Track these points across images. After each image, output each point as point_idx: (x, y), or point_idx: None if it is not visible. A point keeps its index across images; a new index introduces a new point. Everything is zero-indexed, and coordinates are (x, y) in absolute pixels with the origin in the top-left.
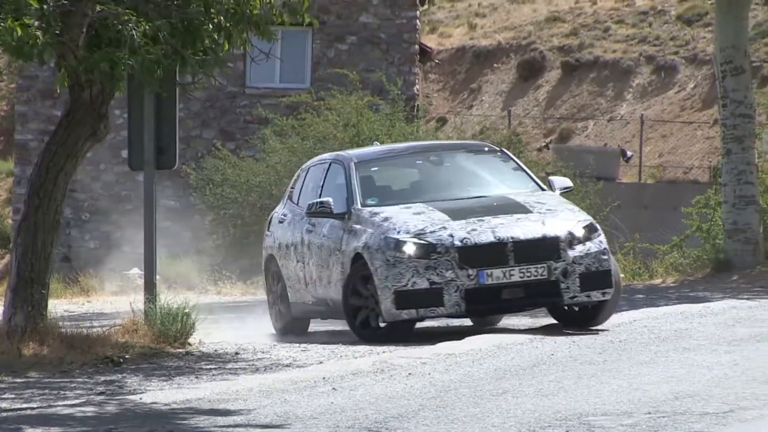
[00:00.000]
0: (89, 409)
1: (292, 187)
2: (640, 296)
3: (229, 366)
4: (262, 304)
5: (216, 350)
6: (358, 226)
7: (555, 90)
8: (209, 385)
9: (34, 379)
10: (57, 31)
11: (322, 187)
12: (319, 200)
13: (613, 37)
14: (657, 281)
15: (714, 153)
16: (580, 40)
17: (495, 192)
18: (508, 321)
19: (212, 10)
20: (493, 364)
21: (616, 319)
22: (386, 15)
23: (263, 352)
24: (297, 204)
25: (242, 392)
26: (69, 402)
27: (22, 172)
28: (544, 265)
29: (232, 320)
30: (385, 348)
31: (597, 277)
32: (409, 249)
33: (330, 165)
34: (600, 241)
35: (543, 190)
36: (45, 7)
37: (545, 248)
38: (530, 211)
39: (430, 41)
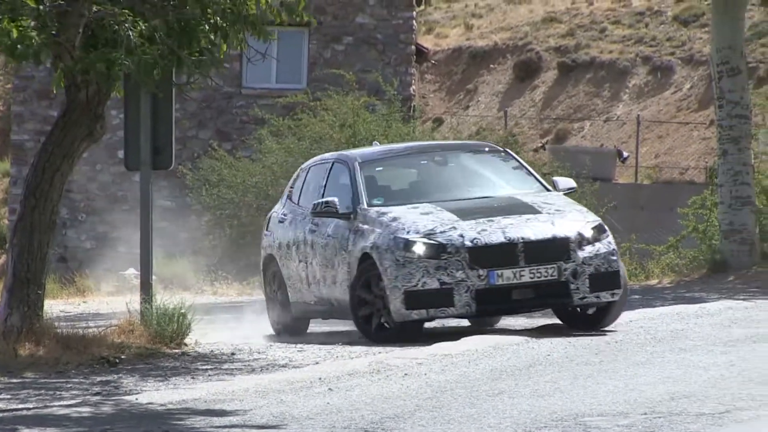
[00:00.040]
0: (85, 410)
1: (291, 187)
2: (637, 297)
3: (225, 366)
4: (258, 305)
5: (212, 351)
6: (365, 226)
7: (551, 91)
8: (205, 386)
9: (30, 379)
10: (53, 32)
11: (325, 186)
12: (324, 200)
13: (610, 38)
14: (653, 282)
15: (710, 154)
16: (576, 40)
17: (500, 192)
18: (505, 321)
19: (209, 11)
20: (489, 365)
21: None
22: (383, 15)
23: (259, 353)
24: (298, 204)
25: (238, 393)
26: (65, 402)
27: (18, 173)
28: (554, 265)
29: (228, 321)
30: (381, 348)
31: (606, 278)
32: (419, 249)
33: (333, 165)
34: (609, 242)
35: (548, 190)
36: (41, 7)
37: (555, 249)
38: (539, 212)
39: (427, 42)
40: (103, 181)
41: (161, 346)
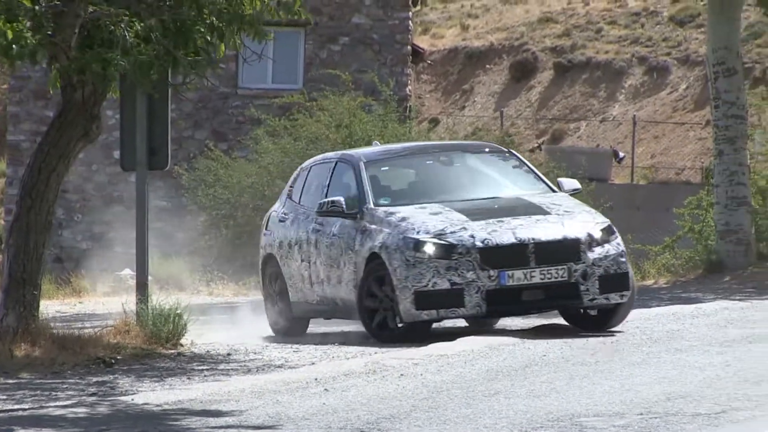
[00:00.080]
0: (81, 410)
1: (291, 186)
2: None
3: (221, 367)
4: (254, 305)
5: (208, 351)
6: (372, 226)
7: (547, 91)
8: (201, 386)
9: (25, 380)
10: (49, 32)
11: (328, 186)
12: (330, 199)
13: (606, 38)
14: (649, 282)
15: (706, 154)
16: (572, 41)
17: (507, 193)
18: (502, 321)
19: (205, 11)
20: (485, 365)
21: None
22: (378, 16)
23: (255, 353)
24: (299, 203)
25: (234, 393)
26: (61, 403)
27: (14, 173)
28: (565, 266)
29: (224, 321)
30: (376, 349)
31: (616, 279)
32: (430, 249)
33: (336, 164)
34: (618, 244)
35: (554, 191)
36: (37, 7)
37: (565, 250)
38: (548, 213)
39: (423, 42)
40: (99, 181)
41: (157, 346)
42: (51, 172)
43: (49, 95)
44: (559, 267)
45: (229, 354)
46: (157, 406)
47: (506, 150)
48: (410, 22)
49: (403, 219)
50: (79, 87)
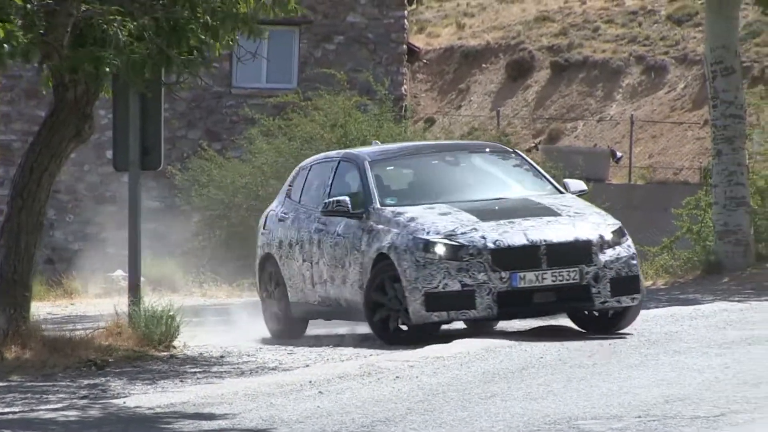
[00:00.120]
0: (72, 414)
1: (290, 185)
2: None
3: (214, 369)
4: (248, 307)
5: (201, 353)
6: (380, 226)
7: (544, 90)
8: (194, 389)
9: (16, 382)
10: (41, 31)
11: (331, 185)
12: (335, 199)
13: (603, 37)
14: (647, 283)
15: (704, 154)
16: (569, 39)
17: (514, 194)
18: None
19: (198, 10)
20: (481, 367)
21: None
22: (374, 14)
23: (249, 355)
24: (299, 202)
25: (227, 396)
26: (51, 406)
27: (5, 173)
28: (576, 269)
29: (217, 323)
30: (371, 351)
31: (627, 282)
32: (440, 250)
33: (339, 163)
34: (629, 246)
35: (560, 192)
36: (29, 6)
37: (577, 252)
38: (559, 214)
39: (418, 41)
40: (91, 181)
41: (149, 348)
42: (43, 172)
43: (42, 94)
44: (571, 269)
45: (222, 356)
46: (149, 409)
47: (511, 150)
48: (406, 20)
49: (412, 219)
50: (72, 86)
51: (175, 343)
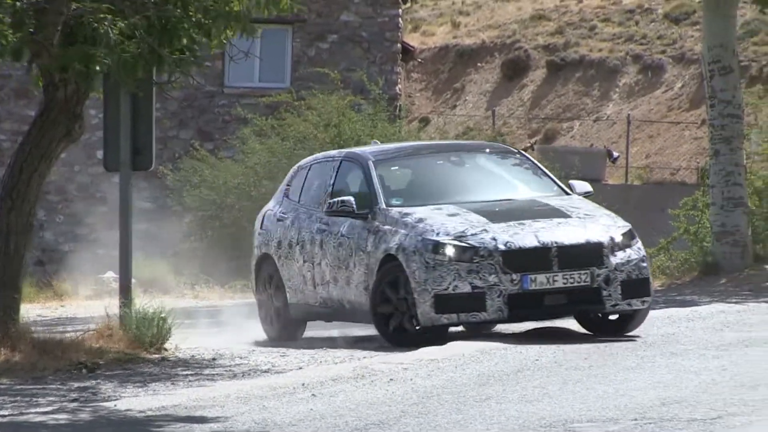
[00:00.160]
0: (62, 417)
1: (288, 185)
2: None
3: (206, 372)
4: (240, 308)
5: (193, 356)
6: (386, 227)
7: (540, 90)
8: (185, 392)
9: (5, 385)
10: (31, 30)
11: (333, 185)
12: (340, 199)
13: (599, 36)
14: None
15: (702, 154)
16: (565, 38)
17: (521, 195)
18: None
19: (190, 8)
20: (476, 370)
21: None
22: (368, 13)
23: (241, 358)
24: (299, 202)
25: (219, 399)
26: (41, 409)
27: None
28: (587, 271)
29: (209, 325)
30: (365, 353)
31: (637, 285)
32: (450, 251)
33: (341, 163)
34: (639, 248)
35: (567, 194)
36: (18, 3)
37: (588, 254)
38: (569, 216)
39: (413, 40)
40: (82, 182)
41: (140, 351)
42: (32, 172)
43: (32, 94)
44: (582, 271)
45: (214, 359)
46: (141, 412)
47: (516, 150)
48: (400, 19)
49: (420, 220)
50: (62, 86)
51: (167, 345)
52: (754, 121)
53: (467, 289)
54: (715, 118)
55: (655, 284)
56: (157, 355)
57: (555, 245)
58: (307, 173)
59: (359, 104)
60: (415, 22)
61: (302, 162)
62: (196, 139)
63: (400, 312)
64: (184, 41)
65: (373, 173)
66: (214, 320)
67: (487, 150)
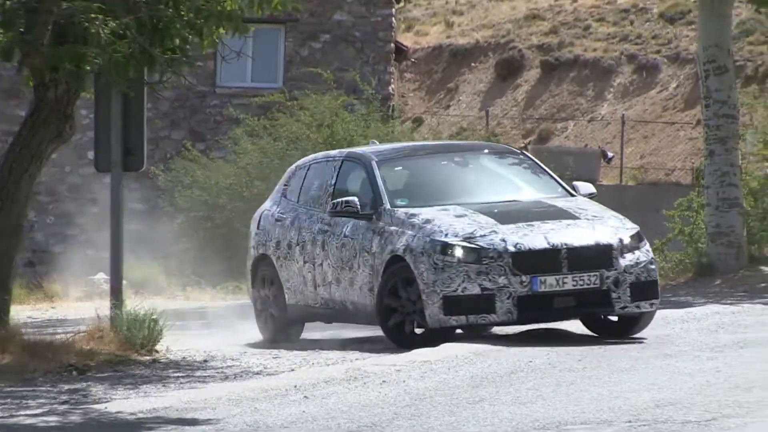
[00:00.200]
0: (52, 419)
1: (286, 185)
2: None
3: (198, 374)
4: (232, 310)
5: (184, 357)
6: (392, 228)
7: (534, 90)
8: (177, 394)
9: None
10: (21, 29)
11: (334, 185)
12: (344, 199)
13: (594, 36)
14: None
15: (697, 154)
16: (559, 38)
17: (526, 196)
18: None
19: (182, 8)
20: (469, 372)
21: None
22: (361, 13)
23: (233, 360)
24: (298, 202)
25: (211, 401)
26: (31, 412)
27: None
28: (597, 273)
29: (201, 326)
30: (358, 355)
31: (646, 287)
32: (459, 253)
33: (342, 163)
34: (647, 250)
35: (572, 195)
36: (8, 3)
37: (598, 256)
38: (577, 217)
39: (406, 39)
40: (73, 182)
41: (131, 352)
42: (23, 173)
43: (22, 94)
44: (592, 274)
45: (205, 360)
46: (131, 414)
47: (519, 151)
48: (393, 19)
49: (428, 221)
50: (52, 86)
51: (158, 347)
52: (750, 122)
53: (476, 290)
54: (711, 118)
55: None
56: (148, 357)
57: (565, 247)
58: (306, 173)
59: (352, 104)
60: (408, 21)
61: (300, 162)
62: (187, 140)
63: (407, 313)
64: (176, 41)
65: (377, 174)
66: (206, 322)
67: (490, 150)
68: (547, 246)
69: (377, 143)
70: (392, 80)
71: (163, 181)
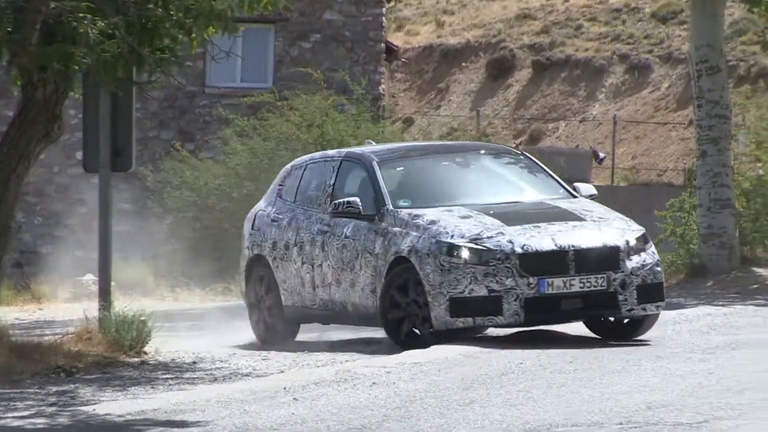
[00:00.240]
0: (40, 421)
1: (281, 185)
2: None
3: (187, 375)
4: (221, 311)
5: (173, 359)
6: (395, 229)
7: (525, 90)
8: (165, 396)
9: None
10: (9, 29)
11: (334, 186)
12: (346, 200)
13: (586, 35)
14: None
15: (689, 155)
16: (551, 38)
17: (528, 197)
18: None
19: (171, 7)
20: (459, 373)
21: (582, 327)
22: (351, 12)
23: (222, 361)
24: (294, 202)
25: (200, 403)
26: (19, 414)
27: None
28: (604, 275)
29: (190, 328)
30: (347, 356)
31: (652, 289)
32: (466, 254)
33: (341, 163)
34: (653, 252)
35: (574, 196)
36: None
37: (605, 258)
38: (583, 219)
39: (397, 39)
40: (61, 183)
41: (120, 354)
42: (10, 173)
43: (11, 94)
44: (599, 276)
45: (194, 362)
46: (120, 416)
47: (520, 152)
48: (384, 18)
49: (433, 222)
50: (40, 85)
51: (147, 348)
52: (742, 122)
53: (483, 292)
54: (703, 118)
55: None
56: (136, 359)
57: (572, 249)
58: (303, 173)
59: (342, 104)
60: (399, 21)
61: (296, 161)
62: (176, 140)
63: (411, 315)
64: (165, 41)
65: (379, 174)
66: (195, 323)
67: (491, 151)
68: (555, 248)
69: (373, 143)
70: (382, 80)
71: (152, 182)
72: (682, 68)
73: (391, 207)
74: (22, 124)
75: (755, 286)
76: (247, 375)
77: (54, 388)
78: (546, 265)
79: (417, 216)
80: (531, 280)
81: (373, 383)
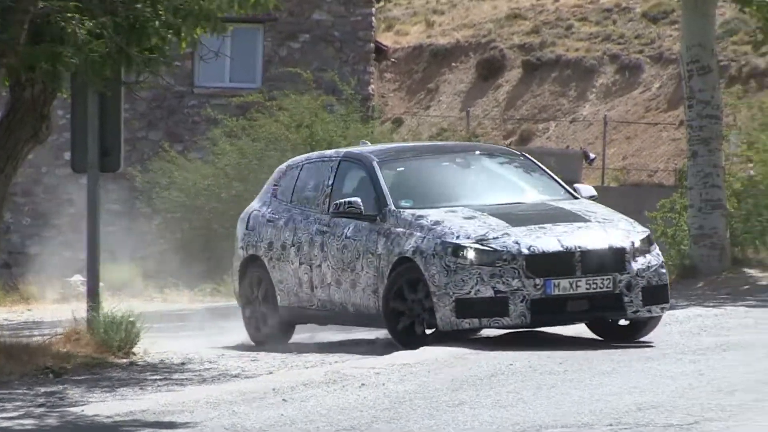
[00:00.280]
0: (28, 422)
1: (276, 185)
2: None
3: (176, 376)
4: (210, 312)
5: (162, 360)
6: (398, 229)
7: (515, 90)
8: (154, 397)
9: None
10: None
11: (332, 186)
12: (347, 200)
13: (576, 36)
14: None
15: (680, 155)
16: (541, 38)
17: (530, 198)
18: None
19: (159, 7)
20: (449, 375)
21: (577, 328)
22: (340, 12)
23: (211, 362)
24: (290, 202)
25: (189, 404)
26: (7, 415)
27: None
28: (610, 277)
29: (178, 329)
30: (337, 357)
31: (657, 291)
32: (471, 255)
33: (339, 163)
34: (657, 254)
35: (575, 197)
36: None
37: (611, 259)
38: (588, 220)
39: (386, 39)
40: (49, 183)
41: (109, 355)
42: None
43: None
44: (605, 277)
45: (183, 363)
46: (108, 417)
47: (519, 153)
48: (373, 18)
49: (437, 223)
50: (29, 85)
51: (135, 349)
52: (733, 122)
53: (490, 293)
54: (694, 119)
55: None
56: (125, 360)
57: (578, 250)
58: (299, 173)
59: (331, 105)
60: (388, 21)
61: (292, 161)
62: (165, 140)
63: (415, 315)
64: (154, 41)
65: (379, 174)
66: (184, 324)
67: (490, 152)
68: (561, 249)
69: (368, 143)
70: (372, 80)
71: (141, 182)
72: (673, 68)
73: (393, 207)
74: (10, 125)
75: (746, 287)
76: (236, 376)
77: (42, 389)
78: (552, 267)
79: (420, 216)
80: (537, 281)
81: (363, 384)
